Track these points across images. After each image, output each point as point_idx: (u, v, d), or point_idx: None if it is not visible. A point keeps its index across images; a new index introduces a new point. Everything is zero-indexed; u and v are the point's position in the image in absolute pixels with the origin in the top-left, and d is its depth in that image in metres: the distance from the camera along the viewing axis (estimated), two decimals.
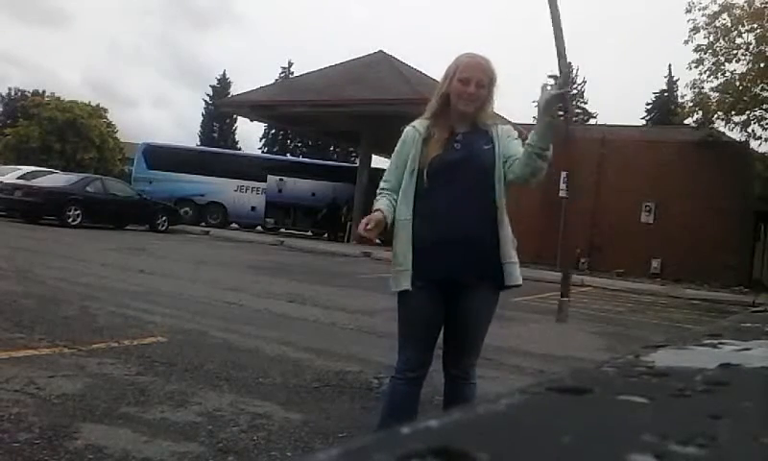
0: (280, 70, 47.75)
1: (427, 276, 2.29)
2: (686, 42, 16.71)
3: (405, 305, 2.36)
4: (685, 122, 18.23)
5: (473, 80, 2.28)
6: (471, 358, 2.43)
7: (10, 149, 29.84)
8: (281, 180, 22.66)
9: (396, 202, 2.32)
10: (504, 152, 2.31)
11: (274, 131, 45.72)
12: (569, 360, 5.14)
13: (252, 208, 22.59)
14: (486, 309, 2.37)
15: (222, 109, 37.04)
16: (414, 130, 2.39)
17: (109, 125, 34.52)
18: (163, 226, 17.32)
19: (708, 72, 16.58)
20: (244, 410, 3.08)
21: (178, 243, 14.50)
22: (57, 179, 16.81)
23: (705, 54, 16.51)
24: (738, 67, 16.35)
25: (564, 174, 17.13)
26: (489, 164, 2.29)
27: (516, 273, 2.32)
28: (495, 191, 2.29)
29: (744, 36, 16.12)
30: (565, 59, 2.40)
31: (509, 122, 2.50)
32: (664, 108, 39.70)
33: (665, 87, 43.36)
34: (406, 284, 2.28)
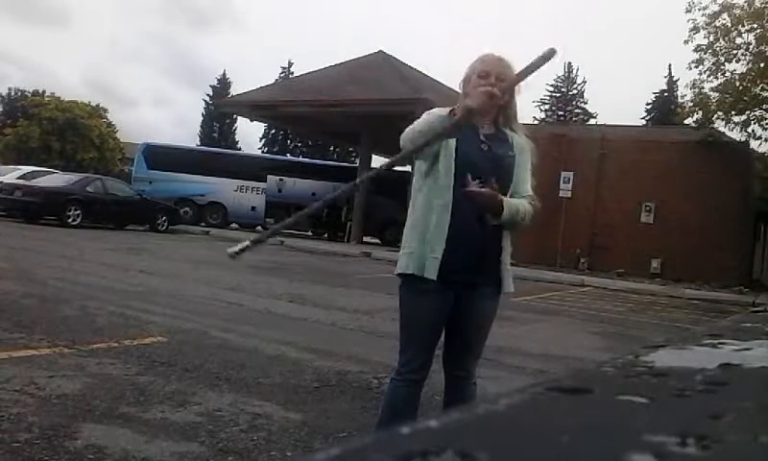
0: (280, 70, 47.78)
1: (446, 273, 2.21)
2: (686, 42, 16.71)
3: (410, 305, 2.32)
4: (685, 122, 18.21)
5: (493, 73, 2.23)
6: (473, 359, 2.42)
7: (10, 149, 29.82)
8: (281, 180, 22.65)
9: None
10: (516, 172, 2.29)
11: (274, 131, 45.71)
12: (569, 360, 5.14)
13: (253, 208, 22.58)
14: (489, 310, 2.36)
15: (222, 108, 37.03)
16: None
17: (109, 125, 34.53)
18: (163, 226, 17.31)
19: (707, 72, 16.57)
20: (244, 410, 3.08)
21: (178, 243, 14.50)
22: (57, 179, 16.79)
23: (705, 54, 16.49)
24: (738, 67, 16.35)
25: (564, 174, 17.18)
26: (509, 173, 2.27)
27: (510, 281, 2.34)
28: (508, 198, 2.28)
29: (744, 36, 16.11)
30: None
31: (526, 132, 2.40)
32: (664, 108, 39.71)
33: (665, 87, 43.38)
34: (432, 274, 2.19)
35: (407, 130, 2.17)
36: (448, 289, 2.25)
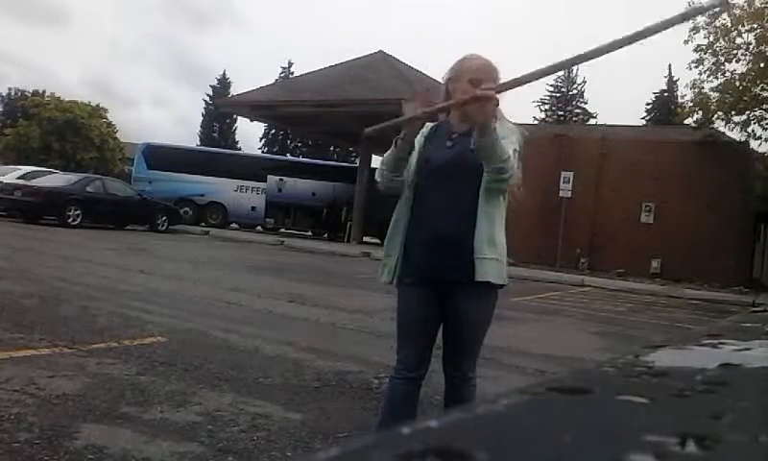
0: (280, 70, 47.86)
1: (416, 274, 2.31)
2: (686, 42, 16.71)
3: (400, 303, 2.39)
4: (685, 122, 18.22)
5: (485, 81, 2.18)
6: (469, 360, 2.39)
7: (10, 149, 29.82)
8: (281, 180, 22.67)
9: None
10: None
11: (274, 131, 45.75)
12: (569, 360, 5.13)
13: (252, 208, 22.59)
14: (481, 311, 2.33)
15: (222, 108, 37.07)
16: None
17: (109, 125, 34.49)
18: (163, 226, 17.32)
19: (707, 72, 16.57)
20: (244, 410, 3.08)
21: (178, 243, 14.49)
22: (57, 179, 16.80)
23: (705, 54, 16.49)
24: (738, 67, 16.35)
25: (564, 174, 17.18)
26: (477, 164, 2.21)
27: (485, 269, 2.21)
28: (480, 191, 2.24)
29: (744, 35, 16.11)
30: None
31: (509, 121, 2.38)
32: (664, 108, 39.75)
33: (665, 87, 43.43)
34: (387, 278, 2.36)
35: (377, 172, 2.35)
36: (427, 287, 2.31)
